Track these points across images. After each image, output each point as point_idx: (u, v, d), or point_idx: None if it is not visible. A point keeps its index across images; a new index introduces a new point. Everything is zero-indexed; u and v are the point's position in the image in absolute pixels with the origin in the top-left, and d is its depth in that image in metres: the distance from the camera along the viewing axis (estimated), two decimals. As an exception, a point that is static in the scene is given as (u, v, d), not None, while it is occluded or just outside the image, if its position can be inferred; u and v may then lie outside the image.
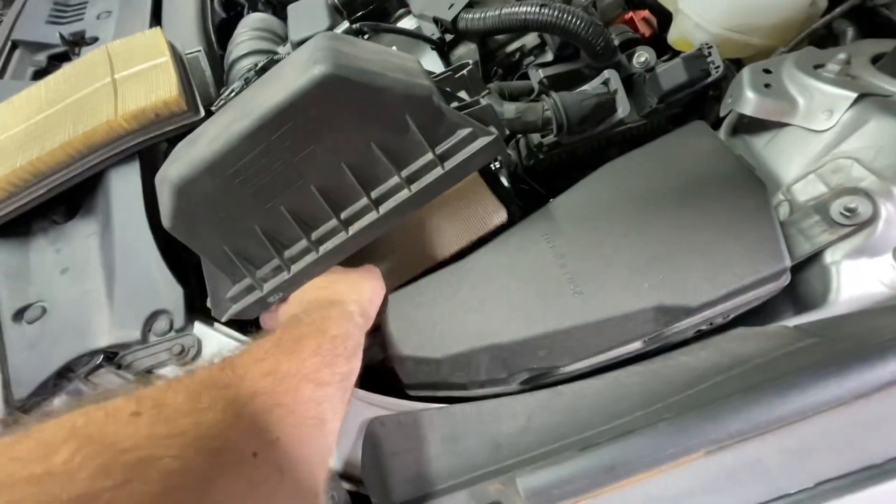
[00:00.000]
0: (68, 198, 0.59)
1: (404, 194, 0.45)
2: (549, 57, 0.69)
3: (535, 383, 0.45)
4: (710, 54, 0.57)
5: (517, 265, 0.46)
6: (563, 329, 0.42)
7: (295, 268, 0.48)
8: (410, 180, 0.45)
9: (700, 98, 0.67)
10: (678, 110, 0.66)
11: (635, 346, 0.43)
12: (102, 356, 0.49)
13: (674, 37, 0.68)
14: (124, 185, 0.57)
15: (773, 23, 0.62)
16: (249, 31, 0.75)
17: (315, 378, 0.29)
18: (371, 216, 0.46)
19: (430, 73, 0.54)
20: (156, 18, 0.85)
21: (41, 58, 0.84)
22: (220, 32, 0.86)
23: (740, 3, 0.61)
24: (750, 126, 0.53)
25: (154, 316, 0.50)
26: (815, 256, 0.43)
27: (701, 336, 0.46)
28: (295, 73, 0.41)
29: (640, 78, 0.64)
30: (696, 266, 0.41)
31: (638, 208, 0.45)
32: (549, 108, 0.53)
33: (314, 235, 0.47)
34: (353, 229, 0.46)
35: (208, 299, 0.51)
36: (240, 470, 0.21)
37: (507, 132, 0.53)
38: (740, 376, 0.34)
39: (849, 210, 0.41)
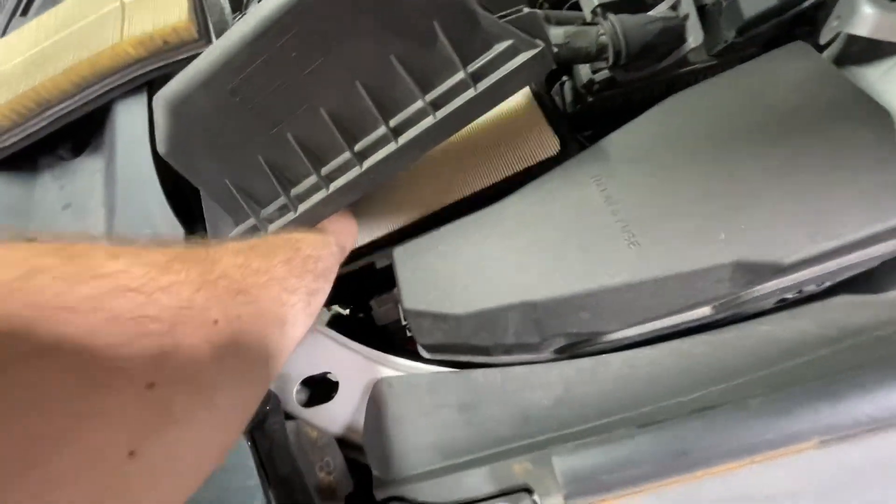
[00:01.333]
0: (76, 133, 0.56)
1: (428, 122, 0.38)
2: (603, -11, 0.60)
3: (572, 352, 0.38)
4: (809, -29, 0.46)
5: (558, 211, 0.38)
6: (613, 287, 0.34)
7: (302, 207, 0.42)
8: (436, 105, 0.38)
9: (787, 35, 0.56)
10: (756, 50, 0.56)
11: (702, 313, 0.35)
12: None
13: (758, -39, 0.57)
14: (130, 117, 0.53)
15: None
16: (271, -36, 0.69)
17: (282, 283, 0.30)
18: (389, 148, 0.39)
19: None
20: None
21: (65, -1, 0.81)
22: (244, -26, 0.81)
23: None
24: (861, 54, 0.42)
25: (151, 255, 0.46)
26: (951, 211, 0.33)
27: (783, 307, 0.38)
28: (304, -31, 0.34)
29: (715, 8, 0.54)
30: (791, 213, 0.32)
31: (716, 144, 0.36)
32: (604, 33, 0.45)
33: (324, 170, 0.41)
34: (367, 163, 0.40)
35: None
36: (199, 329, 0.21)
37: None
38: (859, 349, 0.25)
39: None
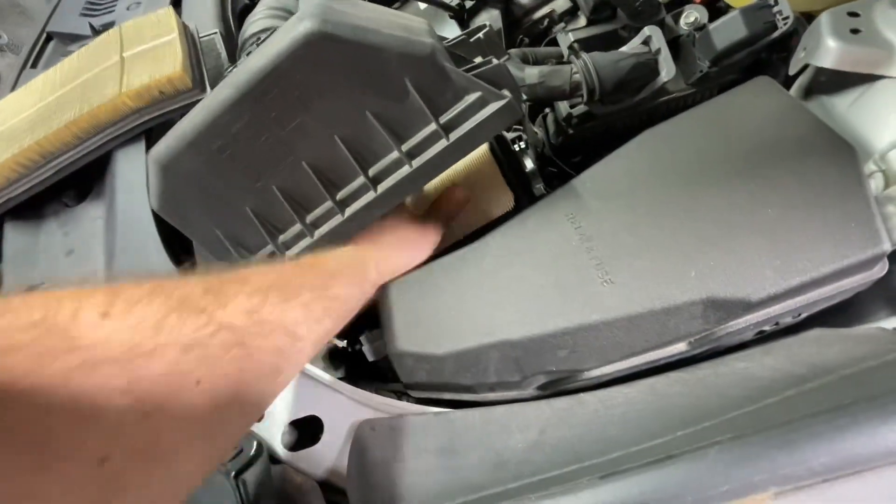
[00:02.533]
0: (80, 180, 0.58)
1: (404, 171, 0.40)
2: (581, 23, 0.61)
3: (554, 389, 0.39)
4: (776, 3, 0.47)
5: (535, 249, 0.39)
6: (589, 325, 0.35)
7: (289, 253, 0.44)
8: (411, 155, 0.40)
9: (761, 61, 0.57)
10: (734, 76, 0.56)
11: (678, 349, 0.36)
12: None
13: (731, -10, 0.59)
14: (129, 165, 0.56)
15: (859, -35, 0.51)
16: (265, 9, 0.72)
17: (292, 331, 0.29)
18: (369, 196, 0.41)
19: (443, 38, 0.49)
20: (177, 7, 0.85)
21: (73, 48, 0.85)
22: (242, 18, 0.85)
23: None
24: (829, 84, 0.43)
25: (147, 301, 0.48)
26: (921, 241, 0.34)
27: (763, 339, 0.38)
28: (281, 35, 0.36)
29: (689, 39, 0.55)
30: (759, 250, 0.33)
31: (686, 180, 0.37)
32: (577, 71, 0.46)
33: (308, 218, 0.43)
34: (349, 211, 0.42)
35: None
36: (176, 392, 0.21)
37: (528, 99, 0.47)
38: (822, 391, 0.26)
39: (971, 180, 0.32)
